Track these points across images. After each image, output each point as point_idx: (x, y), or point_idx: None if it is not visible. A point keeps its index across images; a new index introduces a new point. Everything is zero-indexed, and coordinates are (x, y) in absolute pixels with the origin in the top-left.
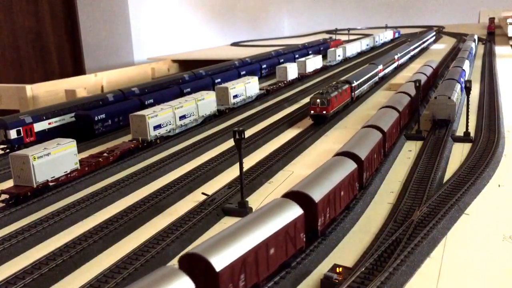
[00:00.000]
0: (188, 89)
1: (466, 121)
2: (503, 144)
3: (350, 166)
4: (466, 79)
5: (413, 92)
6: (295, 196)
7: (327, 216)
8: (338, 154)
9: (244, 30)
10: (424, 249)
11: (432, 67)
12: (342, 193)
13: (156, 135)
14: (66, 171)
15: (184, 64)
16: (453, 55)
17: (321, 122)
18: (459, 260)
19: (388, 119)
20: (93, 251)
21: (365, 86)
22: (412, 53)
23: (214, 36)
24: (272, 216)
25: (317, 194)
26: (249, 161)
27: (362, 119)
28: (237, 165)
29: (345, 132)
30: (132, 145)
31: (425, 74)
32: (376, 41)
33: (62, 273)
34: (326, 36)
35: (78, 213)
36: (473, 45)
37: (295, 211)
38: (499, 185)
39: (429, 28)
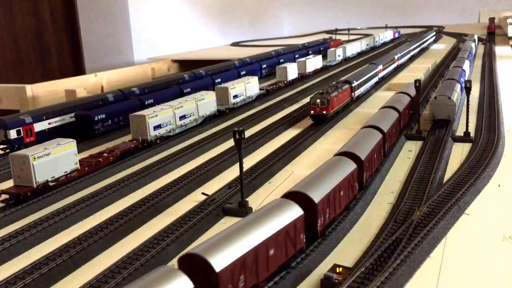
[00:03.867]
0: (188, 89)
1: (466, 121)
2: (503, 144)
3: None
4: (466, 79)
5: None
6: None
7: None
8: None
9: (244, 30)
10: (424, 249)
11: (410, 97)
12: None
13: (156, 135)
14: (66, 171)
15: (184, 64)
16: (453, 55)
17: (321, 122)
18: (459, 260)
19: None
20: (93, 251)
21: (365, 86)
22: (412, 53)
23: (214, 36)
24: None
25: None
26: (249, 161)
27: (362, 119)
28: (237, 165)
29: (345, 132)
30: (132, 145)
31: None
32: (376, 41)
33: (62, 273)
34: (326, 36)
35: (78, 213)
36: (473, 45)
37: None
38: (499, 185)
39: (429, 28)
